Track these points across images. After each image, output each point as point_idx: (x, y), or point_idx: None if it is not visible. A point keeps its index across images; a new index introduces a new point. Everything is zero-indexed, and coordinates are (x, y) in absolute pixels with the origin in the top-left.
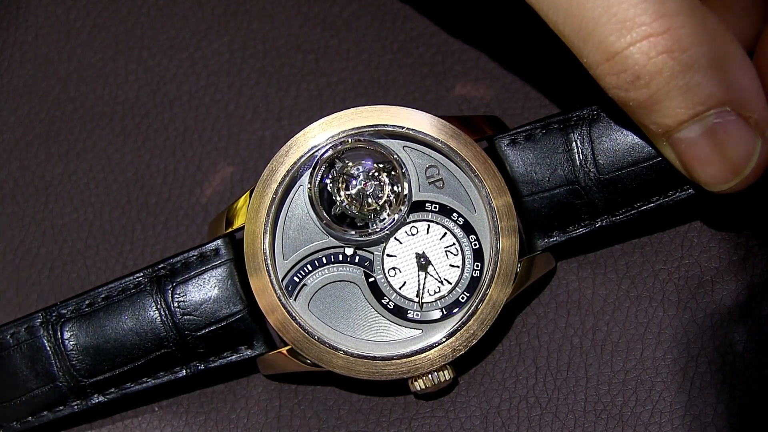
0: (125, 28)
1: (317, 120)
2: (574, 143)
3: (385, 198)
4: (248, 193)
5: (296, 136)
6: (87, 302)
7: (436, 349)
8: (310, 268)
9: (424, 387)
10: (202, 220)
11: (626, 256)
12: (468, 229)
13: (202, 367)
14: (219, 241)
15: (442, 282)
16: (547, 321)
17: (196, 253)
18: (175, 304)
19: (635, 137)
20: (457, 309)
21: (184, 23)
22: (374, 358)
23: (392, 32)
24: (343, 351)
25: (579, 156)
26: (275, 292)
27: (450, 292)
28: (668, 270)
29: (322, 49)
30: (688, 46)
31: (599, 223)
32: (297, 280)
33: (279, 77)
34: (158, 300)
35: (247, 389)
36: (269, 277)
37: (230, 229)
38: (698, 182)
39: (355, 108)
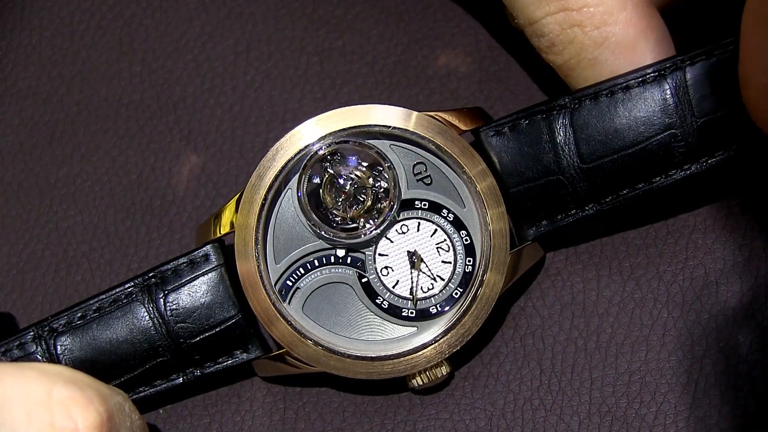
0: (129, 30)
1: (302, 122)
2: (557, 132)
3: (374, 198)
4: (236, 197)
5: (281, 140)
6: (79, 315)
7: (432, 346)
8: (302, 272)
9: (421, 383)
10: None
11: (631, 258)
12: (458, 224)
13: (199, 373)
14: (208, 247)
15: (435, 279)
16: (552, 323)
17: (185, 260)
18: (169, 313)
19: (617, 125)
20: (451, 305)
21: (188, 25)
22: (371, 359)
23: (396, 34)
24: (339, 353)
25: (562, 145)
26: (269, 297)
27: (443, 288)
28: (673, 271)
29: (327, 51)
30: (600, 23)
31: (586, 211)
32: (290, 283)
33: (283, 79)
34: (151, 309)
35: (252, 392)
36: (262, 282)
37: (219, 235)
38: None
39: (339, 109)
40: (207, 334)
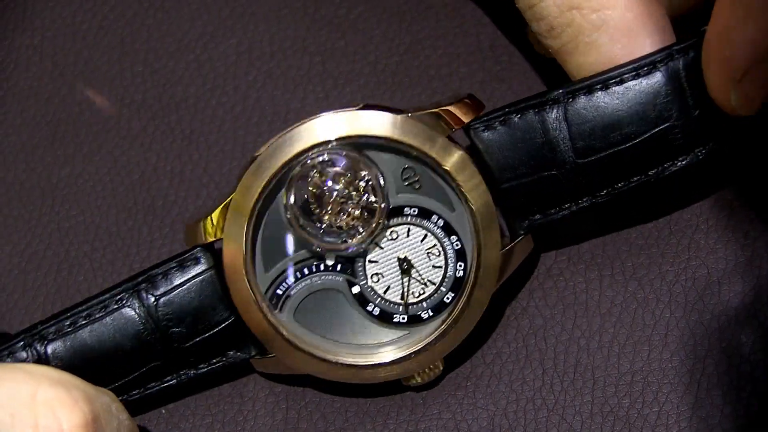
0: (131, 30)
1: (286, 130)
2: (550, 127)
3: (362, 208)
4: (224, 204)
5: (263, 150)
6: (68, 322)
7: (424, 353)
8: (292, 280)
9: (417, 382)
10: None
11: (633, 258)
12: (448, 229)
13: (192, 374)
14: (198, 250)
15: (426, 284)
16: (554, 323)
17: (175, 264)
18: (161, 318)
19: (613, 119)
20: (443, 309)
21: (190, 25)
22: (363, 367)
23: (399, 34)
24: (330, 361)
25: (556, 141)
26: (259, 306)
27: (434, 292)
28: (675, 271)
29: (329, 51)
30: (598, 7)
31: (580, 204)
32: (280, 292)
33: (286, 79)
34: (142, 314)
35: (254, 392)
36: (251, 291)
37: (207, 241)
38: None
39: (325, 115)
40: (200, 338)
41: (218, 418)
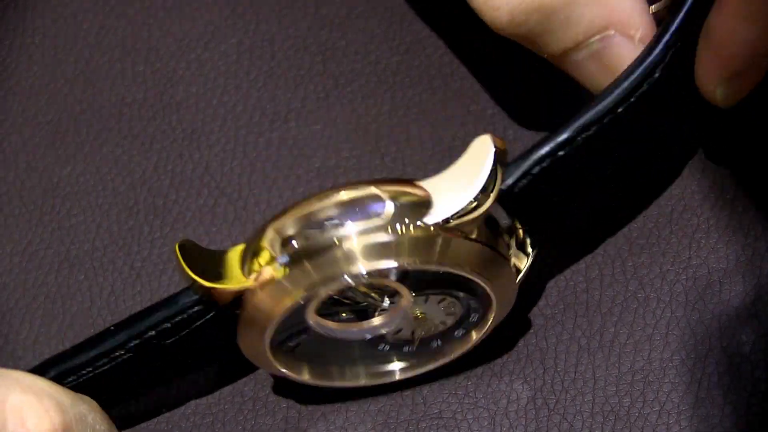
0: (132, 29)
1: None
2: (575, 166)
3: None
4: (244, 289)
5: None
6: (72, 376)
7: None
8: (305, 337)
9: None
10: (209, 222)
11: (634, 257)
12: (469, 307)
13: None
14: (201, 298)
15: (438, 324)
16: (555, 322)
17: (180, 310)
18: (171, 361)
19: (631, 136)
20: (452, 344)
21: (191, 25)
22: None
23: (399, 34)
24: (337, 388)
25: (582, 176)
26: (269, 357)
27: (446, 329)
28: (676, 271)
29: (330, 51)
30: None
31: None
32: (291, 344)
33: (287, 79)
34: (151, 360)
35: (255, 391)
36: (263, 347)
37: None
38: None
39: (354, 235)
40: (204, 362)
41: (218, 417)
